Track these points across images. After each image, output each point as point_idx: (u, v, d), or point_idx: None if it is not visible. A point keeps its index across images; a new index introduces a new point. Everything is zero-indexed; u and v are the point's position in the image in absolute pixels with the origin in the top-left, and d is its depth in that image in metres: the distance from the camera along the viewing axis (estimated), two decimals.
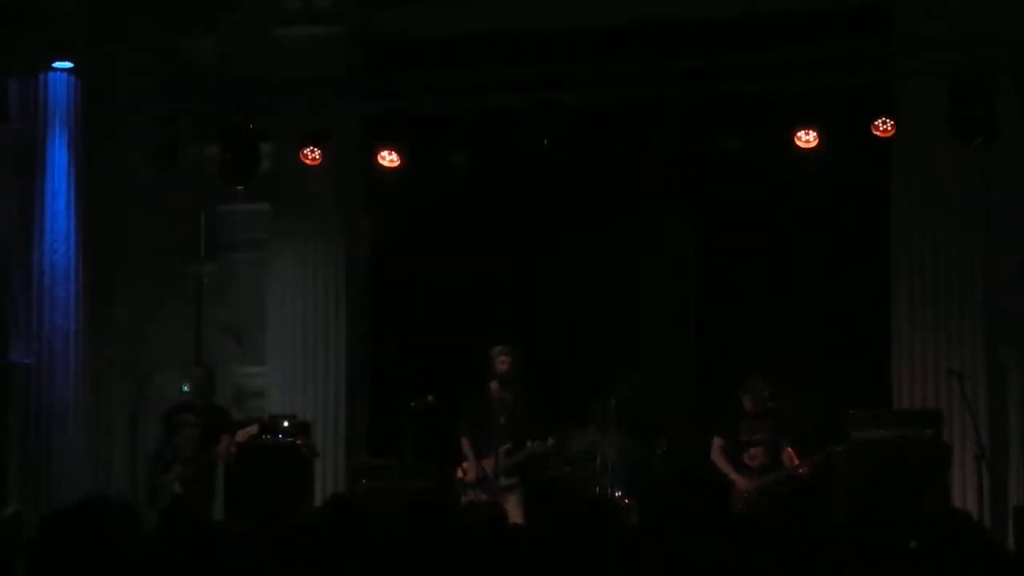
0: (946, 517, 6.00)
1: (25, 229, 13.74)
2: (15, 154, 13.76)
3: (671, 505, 5.55)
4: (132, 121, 14.86)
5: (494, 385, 12.81)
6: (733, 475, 12.65)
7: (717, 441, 12.95)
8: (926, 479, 12.27)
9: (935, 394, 13.49)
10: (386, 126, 15.02)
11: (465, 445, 12.86)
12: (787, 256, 14.47)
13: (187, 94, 14.83)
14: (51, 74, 13.86)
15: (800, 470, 12.55)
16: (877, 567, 5.32)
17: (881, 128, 13.62)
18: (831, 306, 14.16)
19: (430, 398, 12.90)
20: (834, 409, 12.90)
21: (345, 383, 14.99)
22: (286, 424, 14.02)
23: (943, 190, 13.76)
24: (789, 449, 12.66)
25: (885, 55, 14.02)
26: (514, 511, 11.82)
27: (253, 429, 12.95)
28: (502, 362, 12.65)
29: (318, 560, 5.20)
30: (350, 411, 15.00)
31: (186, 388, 14.59)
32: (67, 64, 13.82)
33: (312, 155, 14.59)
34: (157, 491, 12.14)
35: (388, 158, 14.78)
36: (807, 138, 13.77)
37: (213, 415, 12.75)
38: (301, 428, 14.10)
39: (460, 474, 12.85)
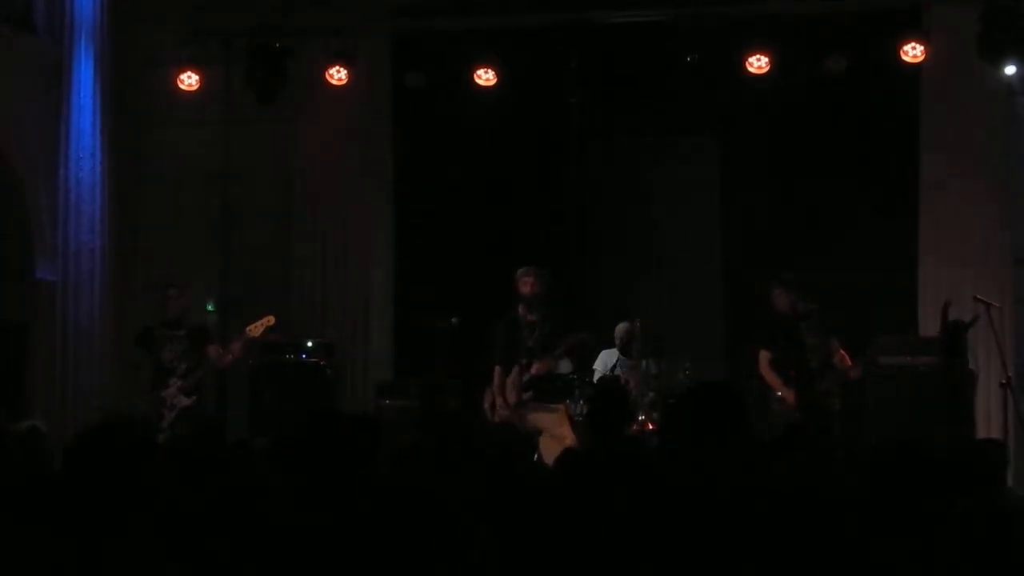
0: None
1: (51, 145, 13.71)
2: (41, 70, 13.73)
3: (685, 418, 5.36)
4: (158, 36, 14.81)
5: (521, 308, 12.66)
6: (783, 390, 12.05)
7: (764, 354, 12.25)
8: (951, 406, 12.22)
9: None
10: (412, 45, 14.98)
11: (495, 374, 12.51)
12: (812, 180, 14.37)
13: (213, 10, 14.77)
14: None
15: (852, 373, 12.13)
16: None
17: (910, 54, 13.59)
18: (856, 231, 14.07)
19: (454, 319, 12.86)
20: (859, 335, 12.81)
21: (369, 304, 15.00)
22: (309, 344, 14.04)
23: (971, 114, 13.69)
24: (841, 352, 12.06)
25: None
26: (539, 427, 11.76)
27: (271, 320, 12.67)
28: (525, 283, 12.47)
29: (339, 476, 5.20)
30: (374, 332, 15.01)
31: (211, 307, 14.61)
32: None
33: (339, 75, 14.57)
34: (157, 407, 12.03)
35: (415, 78, 14.75)
36: (836, 60, 13.73)
37: (193, 328, 12.57)
38: (324, 349, 14.13)
39: (488, 403, 12.59)
